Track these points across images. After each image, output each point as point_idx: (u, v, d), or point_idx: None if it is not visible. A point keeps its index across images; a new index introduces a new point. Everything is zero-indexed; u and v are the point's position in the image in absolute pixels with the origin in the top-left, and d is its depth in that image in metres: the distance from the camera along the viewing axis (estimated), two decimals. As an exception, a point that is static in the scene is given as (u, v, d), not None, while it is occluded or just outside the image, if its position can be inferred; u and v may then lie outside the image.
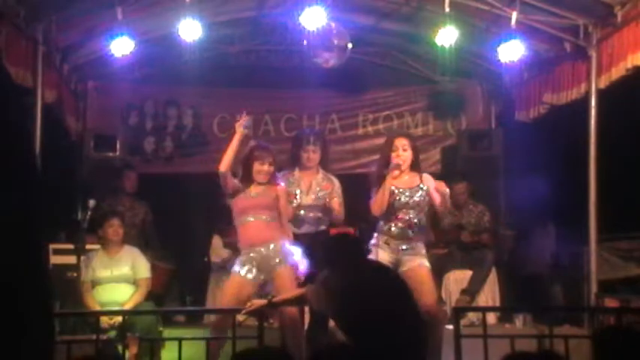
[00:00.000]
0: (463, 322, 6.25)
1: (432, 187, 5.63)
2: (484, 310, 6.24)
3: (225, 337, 5.26)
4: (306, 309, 5.96)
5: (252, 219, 5.49)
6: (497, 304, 7.35)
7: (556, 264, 7.94)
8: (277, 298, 5.21)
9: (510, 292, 7.53)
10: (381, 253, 5.52)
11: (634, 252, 7.90)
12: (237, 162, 5.50)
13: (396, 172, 5.54)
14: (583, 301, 7.15)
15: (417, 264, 5.53)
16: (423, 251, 5.66)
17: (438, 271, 7.27)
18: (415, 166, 5.69)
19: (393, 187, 5.56)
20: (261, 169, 5.51)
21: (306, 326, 5.91)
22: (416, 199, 5.60)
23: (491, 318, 6.85)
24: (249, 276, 5.43)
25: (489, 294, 7.34)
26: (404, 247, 5.56)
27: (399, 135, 5.86)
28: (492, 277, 7.39)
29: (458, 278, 7.39)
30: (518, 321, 7.07)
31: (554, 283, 7.68)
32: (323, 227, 5.98)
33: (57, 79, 7.35)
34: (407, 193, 5.59)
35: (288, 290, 5.31)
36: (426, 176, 5.77)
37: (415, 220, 5.59)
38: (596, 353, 3.48)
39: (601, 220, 7.00)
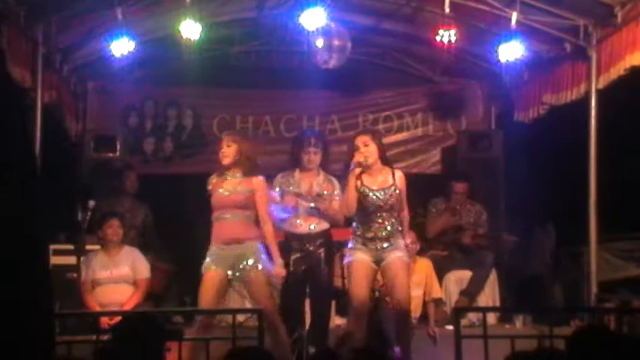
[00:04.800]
0: (463, 322, 6.24)
1: (402, 189, 5.59)
2: (484, 310, 6.23)
3: (225, 338, 5.24)
4: (307, 309, 5.96)
5: (228, 216, 5.49)
6: (498, 304, 7.35)
7: (556, 264, 7.93)
8: None
9: (510, 292, 7.53)
10: (362, 255, 5.54)
11: (634, 252, 7.89)
12: None
13: (357, 170, 5.49)
14: (583, 302, 7.15)
15: (394, 257, 5.54)
16: (402, 244, 5.64)
17: (438, 273, 7.27)
18: (385, 162, 5.64)
19: (366, 189, 5.52)
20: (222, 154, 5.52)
21: (307, 327, 5.90)
22: (389, 200, 5.56)
23: (492, 318, 6.83)
24: (221, 270, 5.43)
25: (489, 294, 7.34)
26: (384, 245, 5.55)
27: (359, 133, 5.83)
28: (492, 278, 7.38)
29: (458, 279, 7.38)
30: (519, 321, 7.06)
31: (554, 284, 7.67)
32: (325, 227, 5.97)
33: (57, 80, 7.34)
34: (379, 195, 5.55)
35: (262, 295, 5.38)
36: (399, 175, 5.68)
37: (387, 223, 5.56)
38: (571, 353, 3.44)
39: (601, 220, 7.00)
